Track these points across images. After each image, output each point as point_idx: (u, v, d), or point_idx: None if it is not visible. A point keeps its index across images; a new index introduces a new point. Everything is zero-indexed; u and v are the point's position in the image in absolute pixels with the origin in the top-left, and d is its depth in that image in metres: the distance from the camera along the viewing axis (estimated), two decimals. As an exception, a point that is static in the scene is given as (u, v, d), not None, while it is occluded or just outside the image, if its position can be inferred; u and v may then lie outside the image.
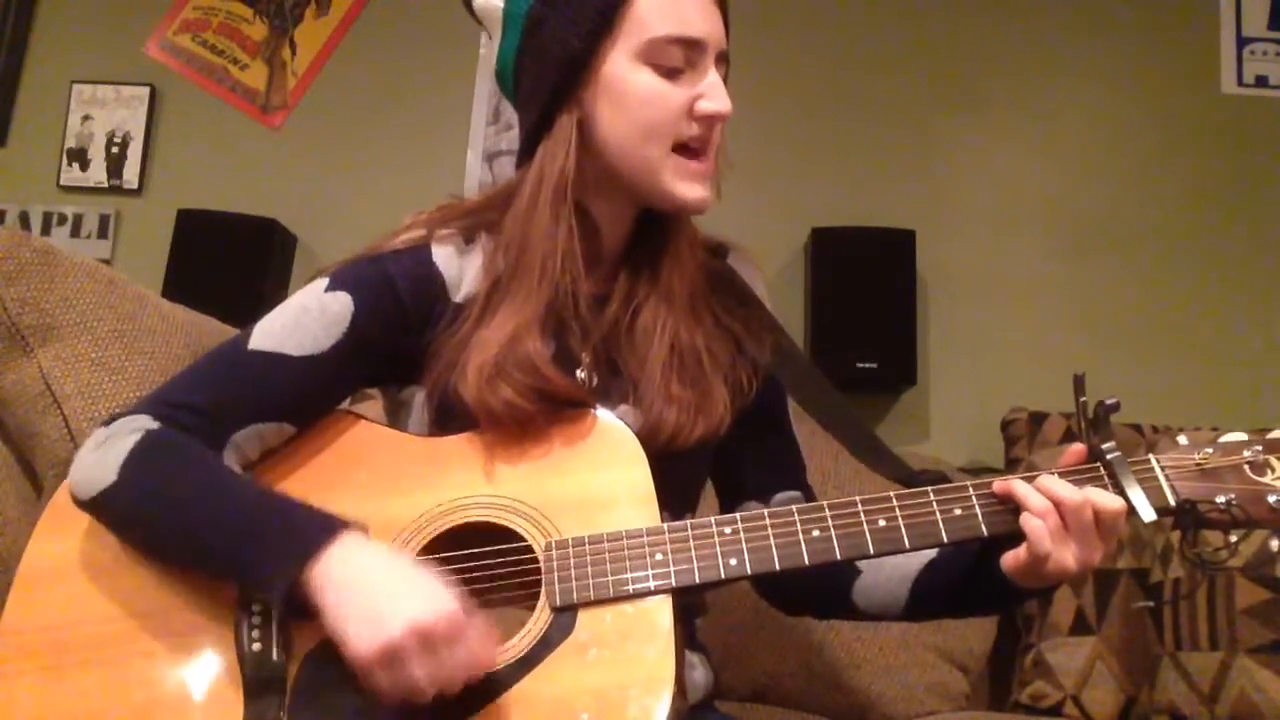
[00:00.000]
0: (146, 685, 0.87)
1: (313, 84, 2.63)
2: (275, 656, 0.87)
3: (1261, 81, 2.49)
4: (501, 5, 1.06)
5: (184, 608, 0.91)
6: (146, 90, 2.61)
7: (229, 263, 2.36)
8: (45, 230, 2.54)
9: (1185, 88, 2.49)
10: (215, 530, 0.89)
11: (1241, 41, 2.51)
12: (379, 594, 0.82)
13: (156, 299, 1.42)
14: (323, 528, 0.86)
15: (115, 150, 2.60)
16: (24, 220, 2.56)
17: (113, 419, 0.96)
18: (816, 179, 2.51)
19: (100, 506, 0.92)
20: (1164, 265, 2.42)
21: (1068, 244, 2.44)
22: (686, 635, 1.06)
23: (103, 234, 2.56)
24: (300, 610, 0.85)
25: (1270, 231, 2.41)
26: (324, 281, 1.02)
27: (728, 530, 0.92)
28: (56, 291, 1.29)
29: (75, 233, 2.55)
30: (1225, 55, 2.51)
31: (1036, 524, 0.89)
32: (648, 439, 0.97)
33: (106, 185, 2.59)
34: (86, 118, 2.61)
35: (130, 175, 2.59)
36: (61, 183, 2.60)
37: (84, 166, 2.60)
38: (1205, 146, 2.46)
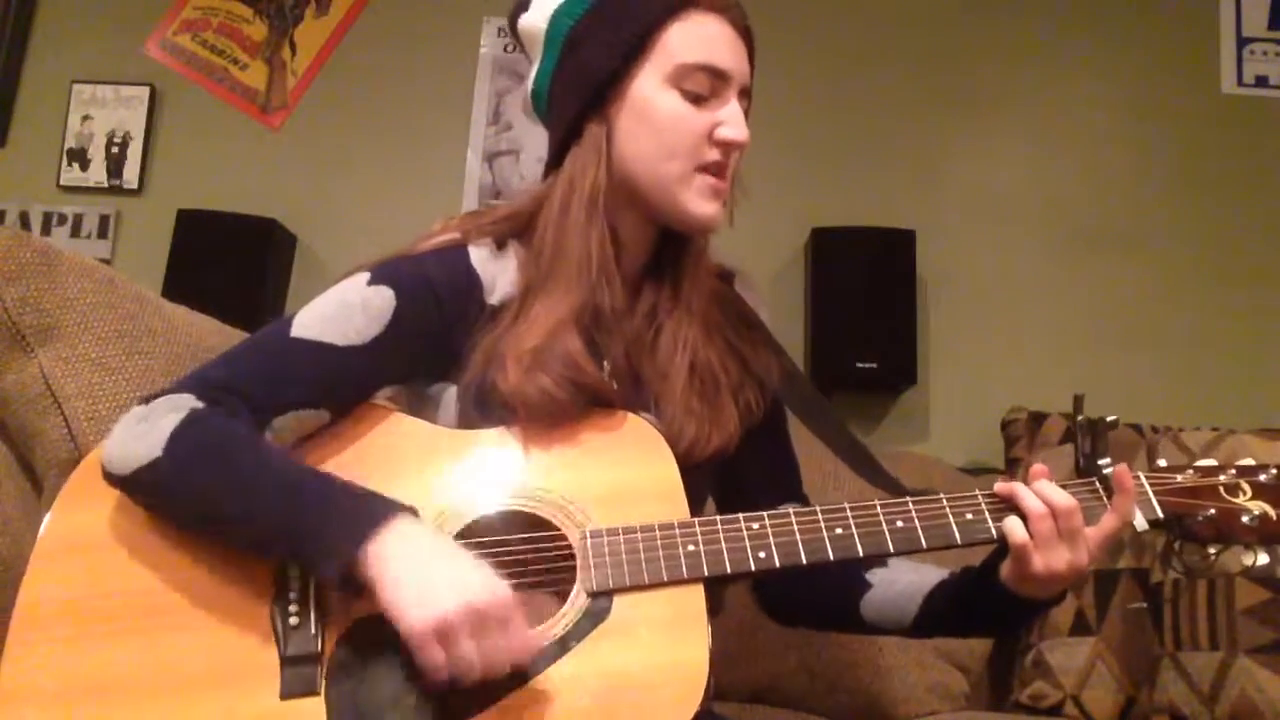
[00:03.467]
0: (178, 659, 0.88)
1: (313, 84, 2.63)
2: (313, 630, 0.88)
3: (1261, 81, 2.50)
4: (544, 27, 1.10)
5: (215, 582, 0.91)
6: (146, 90, 2.62)
7: (229, 263, 2.36)
8: (45, 230, 2.54)
9: (1185, 88, 2.50)
10: (268, 507, 0.89)
11: (1241, 41, 2.51)
12: (435, 572, 0.85)
13: (157, 299, 1.42)
14: (379, 508, 0.88)
15: (115, 150, 2.60)
16: (24, 220, 2.56)
17: (152, 398, 0.97)
18: (816, 179, 2.51)
19: (140, 481, 0.92)
20: (1164, 265, 2.42)
21: (1068, 244, 2.44)
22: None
23: (103, 234, 2.56)
24: (354, 587, 0.86)
25: (1270, 231, 2.41)
26: (365, 276, 1.03)
27: (755, 525, 0.96)
28: (56, 291, 1.29)
29: (75, 233, 2.56)
30: (1225, 55, 2.51)
31: (1010, 520, 0.96)
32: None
33: (106, 185, 2.59)
34: (86, 118, 2.61)
35: (130, 175, 2.59)
36: (61, 183, 2.60)
37: (84, 166, 2.60)
38: (1205, 146, 2.46)
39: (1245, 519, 0.99)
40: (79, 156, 2.61)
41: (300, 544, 0.88)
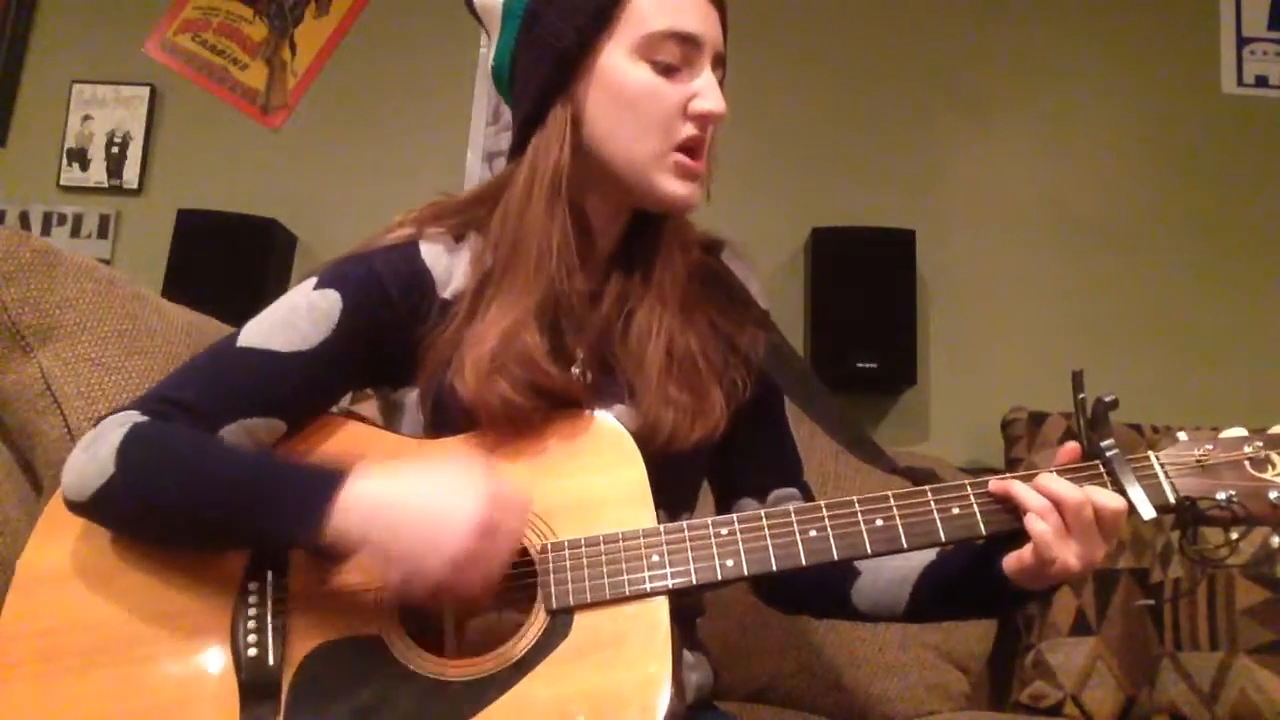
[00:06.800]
0: (142, 690, 0.87)
1: (313, 84, 2.63)
2: (271, 661, 0.87)
3: (1261, 81, 2.50)
4: (500, 1, 1.05)
5: (180, 612, 0.90)
6: (146, 90, 2.62)
7: (229, 263, 2.36)
8: (45, 230, 2.54)
9: (1185, 88, 2.50)
10: (226, 495, 0.88)
11: (1241, 41, 2.51)
12: (421, 513, 0.84)
13: (156, 299, 1.42)
14: (329, 476, 0.87)
15: (115, 150, 2.60)
16: (24, 220, 2.56)
17: (100, 420, 0.95)
18: (816, 179, 2.51)
19: (100, 503, 0.90)
20: (1164, 265, 2.42)
21: (1068, 244, 2.44)
22: (686, 635, 1.06)
23: (103, 234, 2.56)
24: (330, 557, 0.86)
25: (1270, 231, 2.41)
26: (312, 280, 1.01)
27: (724, 531, 0.91)
28: (56, 291, 1.29)
29: (75, 233, 2.56)
30: (1225, 55, 2.51)
31: (1042, 527, 0.87)
32: (645, 440, 0.96)
33: (106, 185, 2.59)
34: (86, 118, 2.61)
35: (130, 175, 2.59)
36: (61, 183, 2.60)
37: (84, 166, 2.60)
38: (1205, 146, 2.46)
39: (1272, 495, 0.87)
40: (79, 156, 2.61)
41: (260, 532, 0.88)
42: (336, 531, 0.84)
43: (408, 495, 0.86)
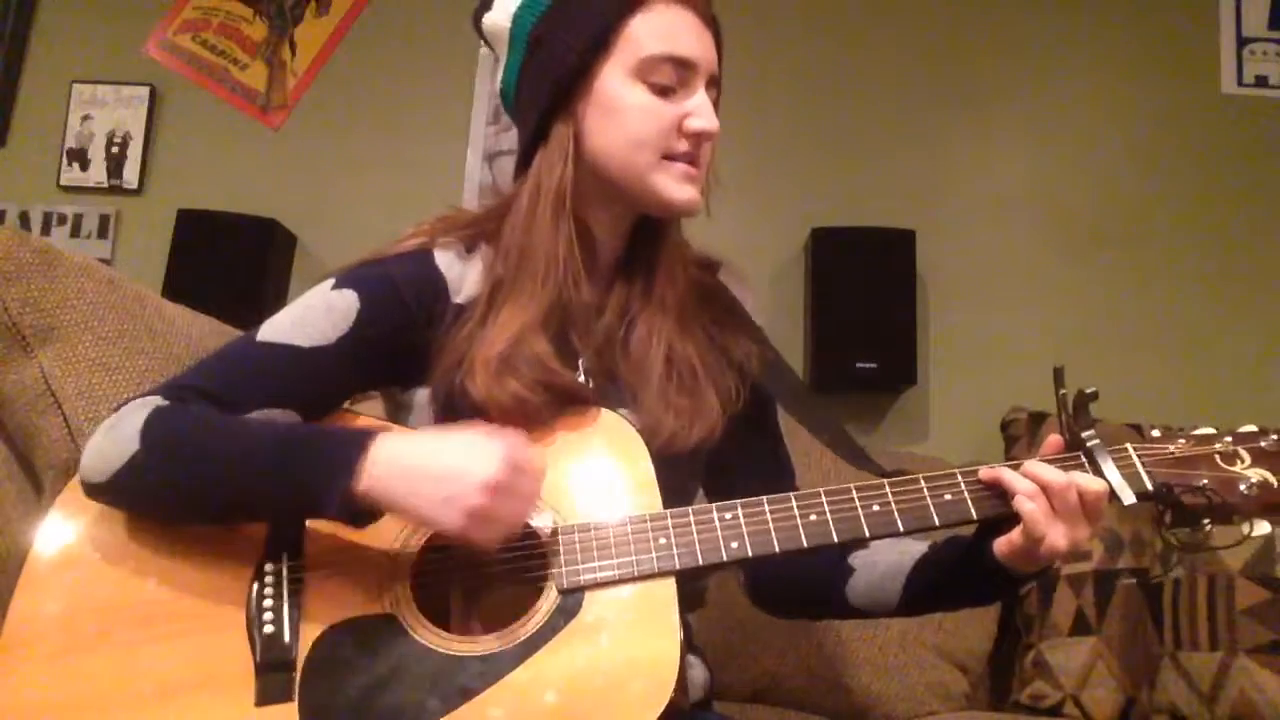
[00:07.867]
0: (157, 670, 0.89)
1: (313, 84, 2.63)
2: (287, 638, 0.89)
3: (1261, 81, 2.50)
4: (507, 26, 1.10)
5: (196, 594, 0.92)
6: (146, 90, 2.62)
7: (229, 263, 2.36)
8: (45, 230, 2.54)
9: (1185, 88, 2.50)
10: (251, 464, 0.91)
11: (1241, 41, 2.51)
12: (441, 471, 0.88)
13: (156, 299, 1.42)
14: (357, 434, 0.91)
15: (115, 150, 2.60)
16: (24, 220, 2.56)
17: (119, 407, 0.98)
18: (816, 179, 2.51)
19: (123, 481, 0.92)
20: (1164, 265, 2.42)
21: (1068, 244, 2.44)
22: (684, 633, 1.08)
23: (103, 234, 2.56)
24: (361, 514, 0.89)
25: (1271, 231, 2.41)
26: (330, 281, 1.05)
27: (728, 516, 0.95)
28: (56, 291, 1.29)
29: (75, 233, 2.56)
30: (1225, 55, 2.51)
31: (1030, 507, 0.92)
32: (645, 442, 1.00)
33: (106, 185, 2.59)
34: (86, 118, 2.61)
35: (130, 175, 2.59)
36: (61, 183, 2.60)
37: (84, 166, 2.60)
38: (1205, 146, 2.46)
39: (1243, 487, 0.94)
40: (79, 156, 2.61)
41: (294, 490, 0.90)
42: (369, 482, 0.87)
43: (430, 451, 0.90)
